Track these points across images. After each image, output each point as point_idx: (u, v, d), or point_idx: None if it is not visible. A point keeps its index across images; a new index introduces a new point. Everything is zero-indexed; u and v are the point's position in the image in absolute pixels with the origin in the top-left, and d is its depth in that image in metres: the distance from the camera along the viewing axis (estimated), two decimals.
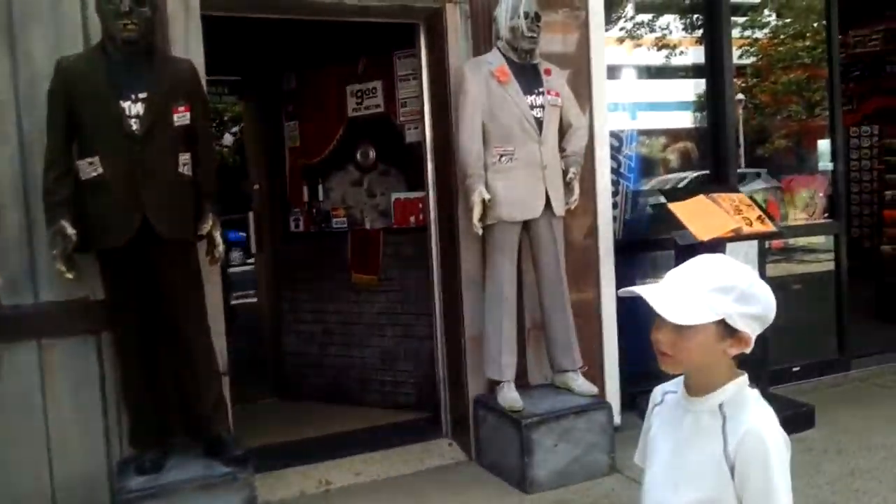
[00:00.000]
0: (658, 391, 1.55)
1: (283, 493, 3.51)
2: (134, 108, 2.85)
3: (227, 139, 17.62)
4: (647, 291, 1.34)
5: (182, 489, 2.86)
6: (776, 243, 5.01)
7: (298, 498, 3.49)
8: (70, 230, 2.81)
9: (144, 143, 2.85)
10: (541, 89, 3.60)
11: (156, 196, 2.87)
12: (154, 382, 3.07)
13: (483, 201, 3.47)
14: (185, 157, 2.98)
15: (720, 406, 1.38)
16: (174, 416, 3.17)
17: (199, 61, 3.21)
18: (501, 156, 3.54)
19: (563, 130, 3.72)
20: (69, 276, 2.86)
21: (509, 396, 3.56)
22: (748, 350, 1.37)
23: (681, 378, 1.49)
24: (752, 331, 1.35)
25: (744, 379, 1.41)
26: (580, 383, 3.68)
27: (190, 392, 3.08)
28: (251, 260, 9.12)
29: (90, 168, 2.84)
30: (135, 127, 2.84)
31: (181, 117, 2.95)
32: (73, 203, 2.87)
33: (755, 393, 1.41)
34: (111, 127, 2.83)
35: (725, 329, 1.33)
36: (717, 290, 1.32)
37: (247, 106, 5.35)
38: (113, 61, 2.88)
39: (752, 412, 1.36)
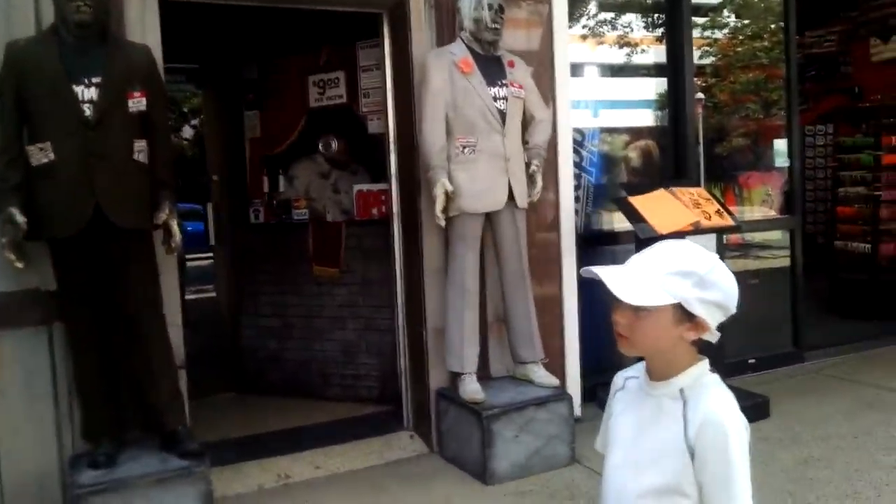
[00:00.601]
0: (619, 377, 1.56)
1: (240, 488, 3.45)
2: (87, 92, 2.78)
3: (187, 131, 17.34)
4: (605, 272, 1.34)
5: (136, 483, 2.80)
6: (733, 239, 5.09)
7: (256, 492, 3.45)
8: (20, 217, 2.73)
9: (98, 129, 2.78)
10: (504, 81, 3.60)
11: (109, 184, 2.80)
12: (108, 374, 3.01)
13: (446, 193, 3.45)
14: (140, 145, 2.92)
15: (681, 391, 1.39)
16: (129, 409, 3.11)
17: (155, 47, 3.14)
18: (464, 147, 3.53)
19: (527, 123, 3.72)
20: (19, 265, 2.78)
21: (470, 388, 3.55)
22: (713, 339, 1.37)
23: (642, 364, 1.49)
24: (711, 317, 1.35)
25: (705, 364, 1.42)
26: (541, 375, 3.69)
27: (145, 385, 3.02)
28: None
29: (41, 154, 2.76)
30: (88, 112, 2.77)
31: (136, 103, 2.88)
32: (24, 190, 2.78)
33: (716, 378, 1.41)
34: (63, 112, 2.76)
35: (683, 313, 1.33)
36: (675, 273, 1.32)
37: (206, 95, 5.26)
38: (66, 45, 2.81)
39: (712, 397, 1.37)
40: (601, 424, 1.60)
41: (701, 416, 1.34)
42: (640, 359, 1.48)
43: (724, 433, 1.32)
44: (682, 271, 1.32)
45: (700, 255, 1.36)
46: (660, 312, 1.33)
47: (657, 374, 1.42)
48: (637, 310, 1.33)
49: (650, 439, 1.40)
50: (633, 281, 1.32)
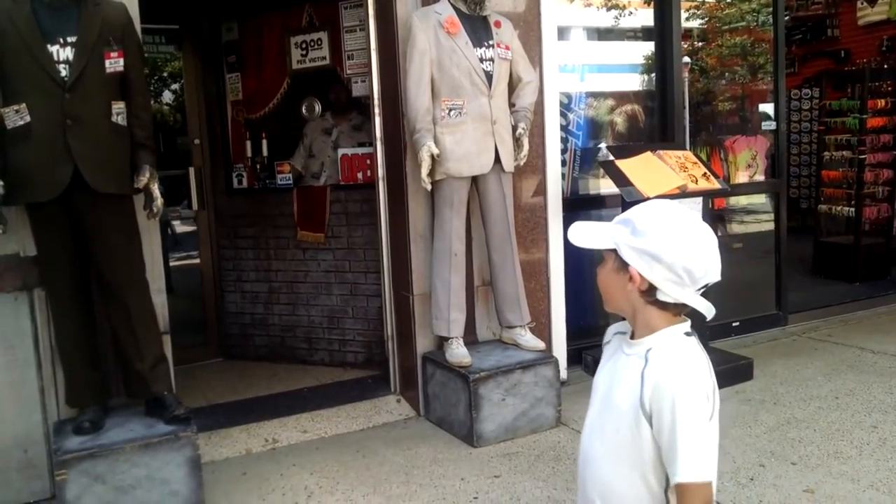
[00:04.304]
0: (610, 330, 1.55)
1: (228, 452, 3.46)
2: (63, 52, 2.70)
3: (167, 96, 16.99)
4: (576, 225, 1.42)
5: (122, 449, 2.79)
6: (718, 203, 5.09)
7: (244, 456, 3.45)
8: None
9: (74, 90, 2.70)
10: (490, 42, 3.54)
11: (87, 147, 2.74)
12: (91, 340, 2.98)
13: (431, 156, 3.41)
14: (118, 106, 2.85)
15: (647, 351, 1.37)
16: (114, 375, 3.08)
17: (132, 5, 3.05)
18: (450, 109, 3.48)
19: (513, 85, 3.67)
20: None
21: (457, 352, 3.56)
22: (708, 314, 1.35)
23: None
24: (646, 268, 1.33)
25: (679, 327, 1.39)
26: (528, 339, 3.70)
27: (129, 350, 2.98)
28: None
29: (17, 116, 2.69)
30: (64, 73, 2.69)
31: (114, 63, 2.80)
32: (1, 153, 2.72)
33: (688, 341, 1.38)
34: (38, 73, 2.68)
35: (621, 262, 1.37)
36: (620, 221, 1.39)
37: (186, 56, 5.14)
38: (40, 3, 2.72)
39: (671, 359, 1.33)
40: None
41: (654, 379, 1.32)
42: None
43: (671, 397, 1.28)
44: (624, 219, 1.38)
45: (651, 208, 1.37)
46: (607, 261, 1.40)
47: (636, 332, 1.42)
48: (603, 263, 1.41)
49: (616, 399, 1.39)
50: (588, 229, 1.40)
